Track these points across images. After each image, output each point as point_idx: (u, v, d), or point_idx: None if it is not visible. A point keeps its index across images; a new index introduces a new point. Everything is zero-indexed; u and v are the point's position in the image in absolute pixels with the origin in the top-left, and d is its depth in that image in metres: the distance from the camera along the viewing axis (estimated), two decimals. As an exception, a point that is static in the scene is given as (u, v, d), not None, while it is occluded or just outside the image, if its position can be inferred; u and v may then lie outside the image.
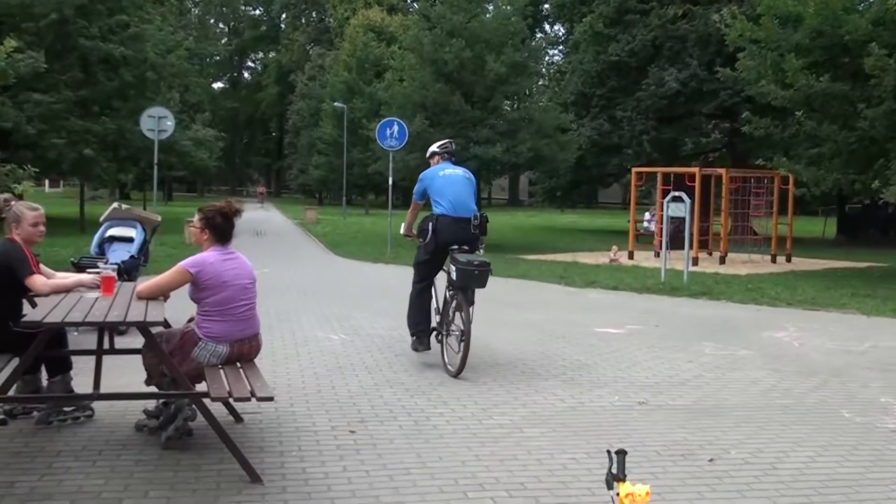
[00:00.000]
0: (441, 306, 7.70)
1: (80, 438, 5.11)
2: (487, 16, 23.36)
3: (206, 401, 4.68)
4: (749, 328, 9.99)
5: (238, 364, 5.05)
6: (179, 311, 5.89)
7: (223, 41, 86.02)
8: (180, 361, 4.93)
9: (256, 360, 5.22)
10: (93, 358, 5.58)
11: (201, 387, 4.90)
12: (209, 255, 5.03)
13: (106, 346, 5.83)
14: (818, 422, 5.90)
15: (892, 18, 14.95)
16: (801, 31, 15.97)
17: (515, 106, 25.76)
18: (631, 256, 19.73)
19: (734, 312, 11.39)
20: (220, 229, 5.12)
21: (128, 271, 8.65)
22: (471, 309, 7.18)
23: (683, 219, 15.09)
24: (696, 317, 10.88)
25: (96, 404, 5.52)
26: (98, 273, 5.43)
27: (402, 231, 8.40)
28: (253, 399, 4.52)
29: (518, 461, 4.88)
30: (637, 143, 28.98)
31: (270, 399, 4.55)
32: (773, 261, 19.63)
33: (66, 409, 5.45)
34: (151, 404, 5.34)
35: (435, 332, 7.71)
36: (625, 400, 6.38)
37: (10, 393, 4.84)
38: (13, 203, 5.53)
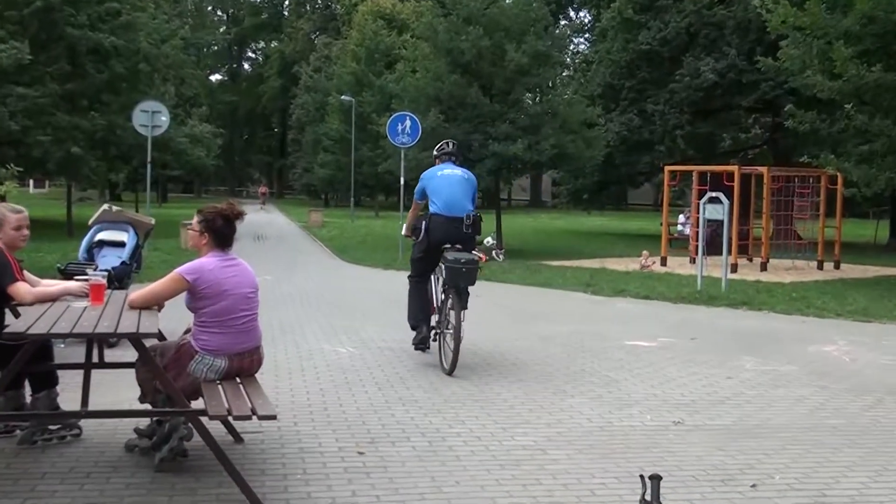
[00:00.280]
0: (438, 306, 8.32)
1: (67, 460, 5.11)
2: (507, 1, 23.35)
3: (204, 419, 4.68)
4: (794, 341, 9.91)
5: (238, 379, 5.05)
6: (175, 321, 5.91)
7: (221, 30, 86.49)
8: (175, 376, 4.93)
9: (258, 375, 5.22)
10: (80, 372, 5.60)
11: (198, 404, 4.90)
12: (208, 262, 5.03)
13: (95, 359, 5.85)
14: (872, 444, 5.84)
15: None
16: (850, 17, 15.87)
17: (538, 99, 25.72)
18: (664, 263, 19.64)
19: (777, 324, 11.31)
20: (221, 233, 5.13)
21: (119, 278, 8.68)
22: (462, 312, 7.80)
23: (721, 222, 15.00)
24: (735, 329, 10.81)
25: (84, 423, 5.52)
26: (86, 280, 5.45)
27: (403, 232, 9.05)
28: (254, 417, 4.51)
29: (542, 486, 4.85)
30: (670, 139, 28.93)
31: (273, 417, 4.54)
32: (820, 267, 19.51)
33: (51, 427, 5.46)
34: (143, 423, 5.34)
35: (433, 332, 8.33)
36: (658, 419, 6.34)
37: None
38: (-5, 205, 5.56)
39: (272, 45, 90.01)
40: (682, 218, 26.15)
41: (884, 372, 8.25)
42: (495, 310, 12.20)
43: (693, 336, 10.11)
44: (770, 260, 19.30)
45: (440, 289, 8.30)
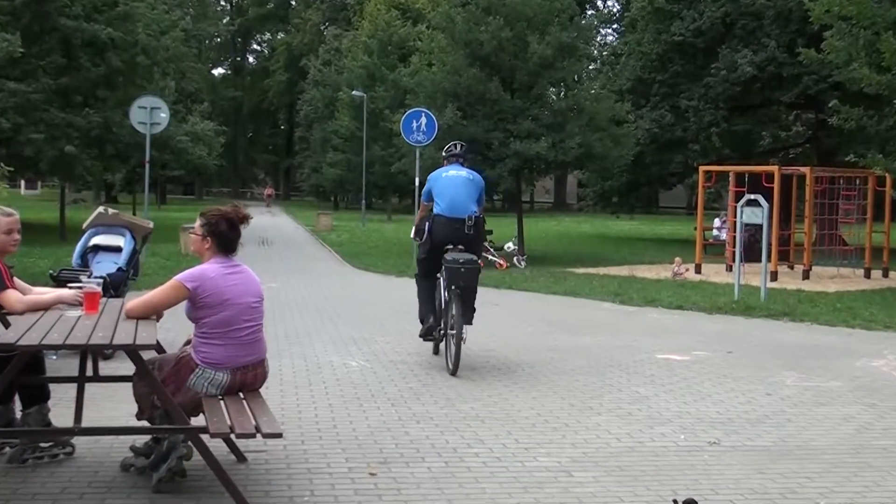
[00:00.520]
0: (442, 307, 8.94)
1: (59, 479, 5.13)
2: (530, -11, 23.31)
3: (204, 437, 4.69)
4: (839, 355, 9.86)
5: (241, 394, 5.06)
6: (175, 332, 5.93)
7: (224, 21, 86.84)
8: (174, 391, 4.95)
9: (262, 390, 5.23)
10: (74, 386, 5.61)
11: (198, 421, 4.91)
12: (210, 268, 5.04)
13: (89, 372, 5.87)
14: (923, 467, 5.80)
15: None
16: (900, 5, 15.80)
17: (562, 94, 25.68)
18: (698, 270, 19.57)
19: (821, 337, 11.26)
20: (225, 238, 5.14)
21: (115, 286, 8.72)
22: (466, 314, 8.49)
23: (760, 226, 14.93)
24: (775, 342, 10.76)
25: (77, 440, 5.54)
26: (80, 288, 5.47)
27: (412, 234, 9.53)
28: (258, 435, 4.51)
29: (567, 511, 4.84)
30: (705, 137, 28.83)
31: (278, 436, 4.54)
32: (867, 276, 19.39)
33: (42, 445, 5.47)
34: (140, 440, 5.36)
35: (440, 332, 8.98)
36: (692, 439, 6.31)
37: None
38: (-16, 207, 5.60)
39: (278, 37, 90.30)
40: (717, 222, 26.05)
41: (937, 389, 8.19)
42: (516, 320, 12.19)
43: (730, 349, 10.07)
44: (813, 267, 19.18)
45: (444, 290, 8.83)
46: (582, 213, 47.95)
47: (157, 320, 5.23)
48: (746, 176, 19.43)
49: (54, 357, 7.53)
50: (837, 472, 5.64)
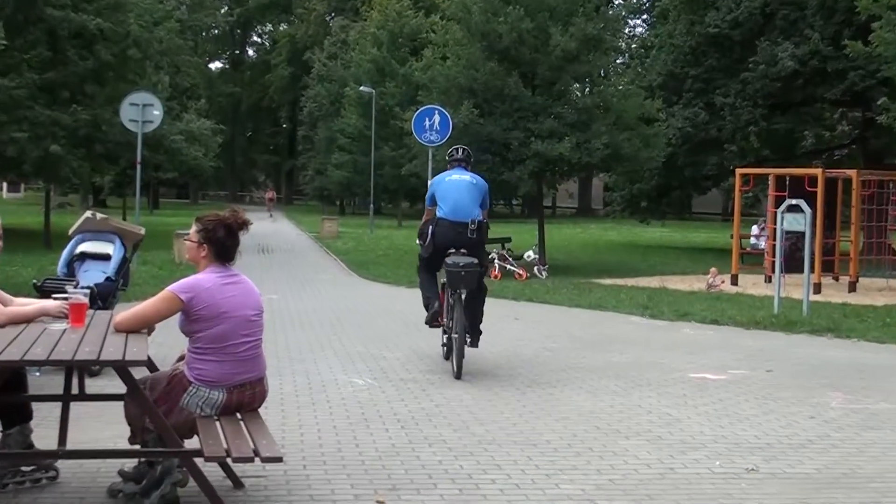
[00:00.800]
0: (446, 312, 9.60)
1: (42, 506, 5.14)
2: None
3: (199, 461, 4.69)
4: (889, 375, 9.81)
5: (238, 415, 5.06)
6: (167, 347, 5.94)
7: (222, 11, 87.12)
8: (167, 411, 4.95)
9: (261, 410, 5.23)
10: (58, 405, 5.62)
11: (192, 443, 4.91)
12: (206, 278, 5.05)
13: (75, 390, 5.88)
14: (981, 497, 5.75)
15: None
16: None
17: (587, 90, 25.67)
18: (735, 282, 19.52)
19: (869, 354, 11.20)
20: (223, 245, 5.15)
21: (103, 297, 8.74)
22: (467, 335, 9.23)
23: (802, 233, 14.87)
24: (819, 359, 10.71)
25: (62, 463, 5.54)
26: (66, 299, 5.48)
27: (418, 240, 10.21)
28: (256, 459, 4.51)
29: (592, 543, 4.82)
30: (742, 136, 28.74)
31: (279, 460, 4.54)
32: (919, 288, 19.30)
33: (24, 468, 5.48)
34: (130, 464, 5.36)
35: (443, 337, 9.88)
36: (728, 466, 6.27)
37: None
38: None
39: (280, 29, 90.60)
40: (755, 229, 25.95)
41: None
42: (537, 335, 12.17)
43: (769, 368, 10.02)
44: (860, 279, 19.11)
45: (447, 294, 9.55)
46: (608, 220, 47.80)
47: (149, 334, 5.23)
48: (787, 179, 19.37)
49: (37, 374, 7.54)
50: (887, 501, 5.61)
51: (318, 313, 14.20)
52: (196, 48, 67.87)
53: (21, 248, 22.51)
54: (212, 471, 5.13)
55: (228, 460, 4.66)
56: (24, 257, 20.64)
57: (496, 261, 20.64)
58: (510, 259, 21.06)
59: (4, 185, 67.05)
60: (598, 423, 7.36)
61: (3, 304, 5.51)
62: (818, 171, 19.20)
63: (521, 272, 20.42)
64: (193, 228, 5.21)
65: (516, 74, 21.99)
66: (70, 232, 9.65)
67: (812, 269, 15.08)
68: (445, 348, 9.98)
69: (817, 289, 17.58)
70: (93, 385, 7.17)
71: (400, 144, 41.67)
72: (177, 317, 5.05)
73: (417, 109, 22.74)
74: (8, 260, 18.25)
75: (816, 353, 11.20)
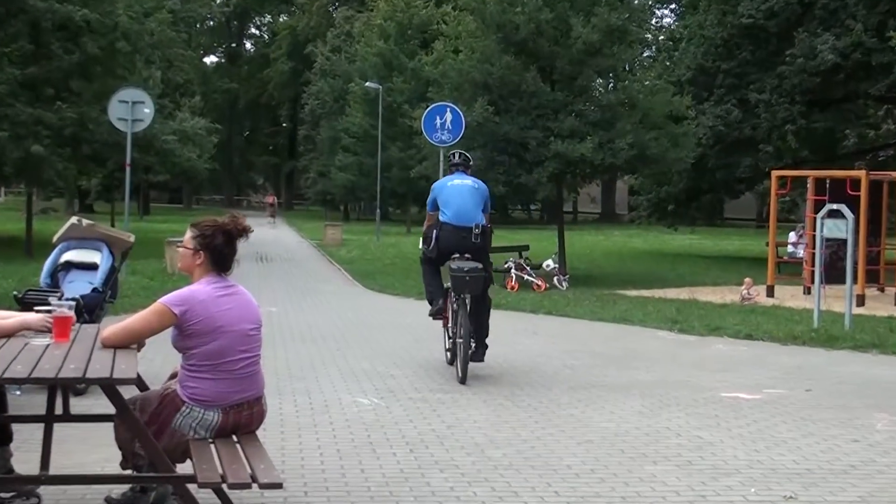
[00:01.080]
0: (451, 317, 10.34)
1: (23, 535, 5.15)
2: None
3: (192, 487, 4.68)
4: (938, 394, 9.77)
5: (235, 438, 5.06)
6: (158, 364, 5.95)
7: (218, 1, 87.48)
8: (157, 433, 4.95)
9: (259, 433, 5.22)
10: (41, 427, 5.63)
11: (185, 468, 4.91)
12: (201, 289, 5.04)
13: (59, 410, 5.88)
14: None
15: None
16: None
17: (611, 86, 25.65)
18: (770, 293, 19.46)
19: (917, 372, 11.16)
20: (220, 253, 5.14)
21: (89, 309, 8.76)
22: (473, 334, 9.88)
23: (844, 241, 14.82)
24: (862, 378, 10.67)
25: (44, 489, 5.54)
26: (50, 312, 5.48)
27: (420, 245, 10.91)
28: (254, 486, 4.51)
29: (616, 577, 4.81)
30: (778, 136, 28.67)
31: (278, 486, 4.53)
32: (972, 300, 19.22)
33: (3, 495, 5.48)
34: (117, 490, 5.36)
35: (448, 343, 10.58)
36: (764, 493, 6.25)
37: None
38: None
39: (280, 20, 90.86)
40: (793, 236, 25.87)
41: None
42: (557, 351, 12.15)
43: (808, 387, 9.98)
44: (907, 290, 19.04)
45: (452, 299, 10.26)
46: (633, 226, 47.68)
47: (139, 350, 5.24)
48: (828, 182, 19.32)
49: (18, 392, 7.56)
50: (937, 533, 5.58)
51: (321, 327, 14.21)
52: (190, 41, 68.01)
53: (1, 256, 22.58)
54: (206, 498, 5.13)
55: (224, 486, 4.66)
56: (5, 267, 20.71)
57: (513, 270, 20.63)
58: (528, 268, 21.04)
59: (-17, 188, 67.29)
60: (622, 447, 7.35)
61: (-19, 318, 5.53)
62: (861, 174, 19.14)
63: (539, 283, 20.40)
64: (189, 235, 5.19)
65: (534, 69, 21.97)
66: (54, 239, 9.67)
67: (855, 280, 15.01)
68: (449, 353, 10.57)
69: (860, 301, 17.51)
70: (78, 405, 7.18)
71: (409, 145, 41.70)
72: (169, 331, 5.05)
73: (428, 107, 22.76)
74: (-13, 269, 18.30)
75: (860, 370, 11.16)
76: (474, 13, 23.45)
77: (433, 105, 22.22)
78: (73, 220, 9.81)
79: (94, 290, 9.15)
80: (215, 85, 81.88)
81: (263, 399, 5.25)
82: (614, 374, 10.53)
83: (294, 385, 9.50)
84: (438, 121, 21.22)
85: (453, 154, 11.29)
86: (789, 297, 19.06)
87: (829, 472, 6.81)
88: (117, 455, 5.25)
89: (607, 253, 35.01)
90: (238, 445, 4.97)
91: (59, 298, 6.87)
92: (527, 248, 22.90)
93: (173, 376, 5.28)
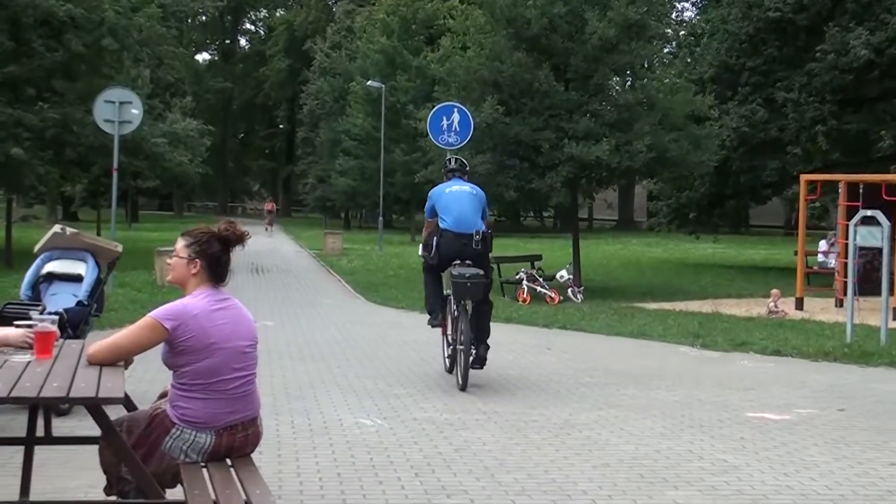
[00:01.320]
0: (451, 324, 10.97)
1: (3, 566, 5.15)
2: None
3: (183, 514, 4.68)
4: (980, 414, 9.75)
5: (229, 461, 5.05)
6: (147, 383, 5.94)
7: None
8: (146, 456, 4.94)
9: (255, 456, 5.22)
10: (20, 450, 5.63)
11: (176, 494, 4.91)
12: (194, 303, 5.03)
13: (40, 431, 5.88)
14: None
15: None
16: None
17: (629, 84, 25.65)
18: (800, 306, 19.43)
19: (957, 390, 11.14)
20: (217, 262, 5.13)
21: (74, 324, 8.76)
22: (473, 339, 10.46)
23: (879, 250, 14.79)
24: (899, 396, 10.67)
25: (26, 516, 5.55)
26: (31, 327, 5.48)
27: (420, 252, 11.53)
28: (249, 513, 4.50)
29: None
30: (808, 137, 28.63)
31: (274, 513, 4.52)
32: None
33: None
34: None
35: (447, 351, 11.25)
36: (795, 521, 6.23)
37: None
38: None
39: (277, 15, 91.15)
40: (824, 245, 25.83)
41: None
42: (571, 368, 12.14)
43: (841, 406, 9.98)
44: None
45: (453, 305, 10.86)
46: (653, 234, 47.64)
47: (126, 368, 5.23)
48: (861, 187, 19.29)
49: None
50: (980, 564, 5.56)
51: (320, 343, 14.21)
52: (181, 37, 68.14)
53: (-20, 266, 22.62)
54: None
55: (217, 513, 4.65)
56: (-17, 277, 20.74)
57: (524, 282, 20.63)
58: (540, 280, 21.03)
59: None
60: (641, 471, 7.34)
61: (-42, 333, 5.53)
62: (897, 178, 19.11)
63: (552, 295, 20.39)
64: (181, 243, 5.15)
65: (547, 66, 21.97)
66: (35, 249, 9.67)
67: (891, 292, 14.98)
68: (449, 360, 11.23)
69: (896, 314, 17.49)
70: (61, 426, 7.19)
71: (413, 147, 41.77)
72: (159, 348, 5.03)
73: (434, 107, 22.77)
74: (-35, 281, 18.34)
75: (896, 388, 11.15)
76: (483, 7, 23.49)
77: (439, 105, 22.22)
78: (56, 228, 9.82)
79: (79, 303, 9.15)
80: (208, 84, 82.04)
81: (259, 420, 5.24)
82: (633, 393, 10.52)
83: (292, 405, 9.50)
84: (445, 122, 21.22)
85: (450, 159, 12.07)
86: (820, 310, 19.02)
87: (863, 498, 6.80)
88: (102, 480, 5.23)
89: (625, 263, 34.99)
90: (232, 470, 4.96)
91: (41, 312, 6.88)
92: (539, 258, 22.89)
93: (163, 396, 5.27)
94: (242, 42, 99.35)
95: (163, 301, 5.21)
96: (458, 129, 21.17)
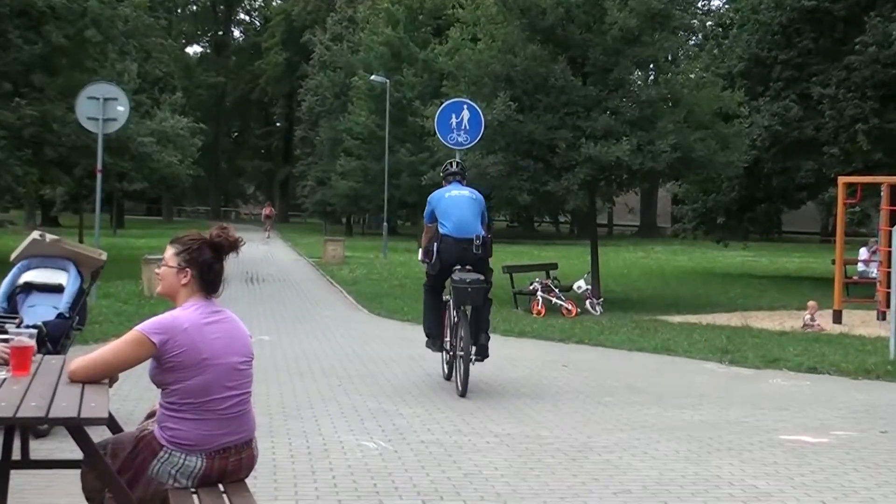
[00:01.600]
0: (450, 328, 11.70)
1: None
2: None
3: (171, 545, 4.68)
4: None
5: (221, 487, 5.04)
6: (133, 402, 5.94)
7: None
8: (132, 481, 4.94)
9: (249, 481, 5.21)
10: (-3, 473, 5.63)
11: (163, 522, 4.91)
12: (184, 316, 5.02)
13: (17, 454, 5.87)
14: None
15: None
16: None
17: (651, 79, 25.66)
18: (838, 319, 19.39)
19: None
20: (209, 271, 5.12)
21: (54, 338, 8.75)
22: (473, 344, 11.21)
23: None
24: (945, 417, 10.63)
25: (2, 546, 5.55)
26: (6, 342, 5.49)
27: (419, 257, 12.32)
28: (243, 544, 4.50)
29: None
30: (847, 137, 28.60)
31: (270, 544, 4.52)
32: None
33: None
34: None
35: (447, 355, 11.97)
36: (832, 552, 6.22)
37: None
38: None
39: (274, 4, 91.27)
40: (864, 253, 25.82)
41: None
42: (589, 386, 12.12)
43: (884, 428, 9.96)
44: None
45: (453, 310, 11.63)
46: (677, 241, 47.62)
47: (111, 385, 5.22)
48: (904, 190, 19.27)
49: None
50: None
51: (320, 359, 14.20)
52: (170, 29, 68.44)
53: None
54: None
55: (208, 544, 4.65)
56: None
57: (539, 293, 20.62)
58: (556, 291, 21.01)
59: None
60: (666, 497, 7.33)
61: (-71, 349, 5.53)
62: (942, 181, 19.09)
63: (569, 307, 20.37)
64: (171, 252, 5.13)
65: (563, 60, 21.98)
66: (12, 257, 9.67)
67: (935, 303, 14.94)
68: (448, 367, 12.00)
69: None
70: (39, 448, 7.19)
71: (420, 147, 41.88)
72: (146, 364, 5.03)
73: (442, 104, 22.76)
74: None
75: (942, 408, 11.13)
76: (495, -3, 23.50)
77: (448, 102, 22.19)
78: (35, 234, 9.81)
79: (59, 315, 9.13)
80: (199, 79, 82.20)
81: (254, 442, 5.23)
82: (656, 413, 10.50)
83: (289, 426, 9.49)
84: (454, 120, 21.19)
85: (451, 163, 12.76)
86: (860, 323, 19.00)
87: (907, 527, 6.78)
88: (85, 507, 5.26)
89: (647, 272, 34.98)
90: (225, 496, 4.96)
91: (18, 326, 6.90)
92: (555, 266, 22.87)
93: (151, 416, 5.27)
94: (236, 33, 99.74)
95: (150, 313, 5.21)
96: (467, 127, 21.13)
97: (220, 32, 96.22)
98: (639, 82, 24.72)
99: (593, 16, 21.95)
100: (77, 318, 9.37)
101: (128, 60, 34.72)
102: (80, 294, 9.48)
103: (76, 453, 4.90)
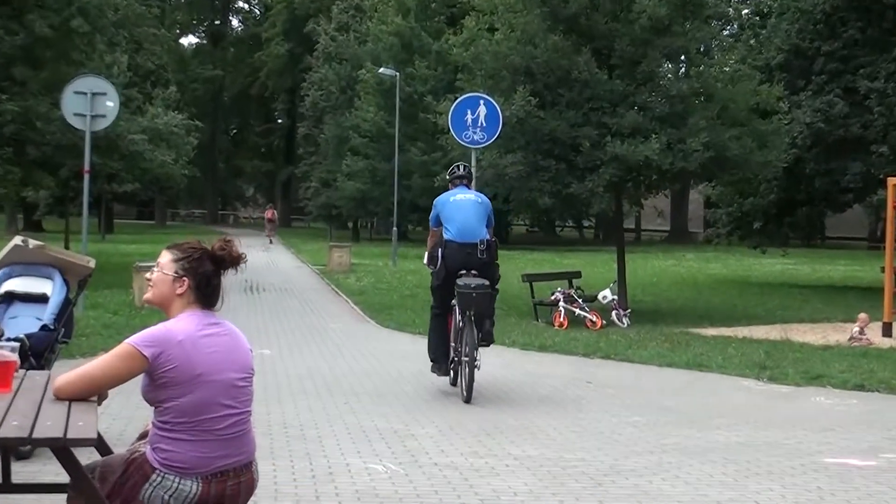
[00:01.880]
0: (455, 334, 12.34)
1: None
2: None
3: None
4: None
5: (218, 513, 5.05)
6: (124, 421, 5.94)
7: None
8: (122, 507, 4.95)
9: (248, 507, 5.22)
10: (-23, 497, 5.64)
11: (156, 551, 4.90)
12: (179, 327, 5.02)
13: (-1, 477, 5.89)
14: None
15: None
16: None
17: (682, 72, 25.64)
18: (888, 332, 19.34)
19: None
20: (206, 284, 5.12)
21: (37, 352, 8.76)
22: (479, 341, 11.90)
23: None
24: None
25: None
26: (-12, 356, 5.50)
27: (424, 261, 12.98)
28: (242, 575, 4.50)
29: None
30: (897, 134, 28.57)
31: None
32: None
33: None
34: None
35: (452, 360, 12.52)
36: (881, 585, 6.20)
37: None
38: None
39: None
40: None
41: None
42: (616, 405, 12.11)
43: (934, 450, 9.92)
44: None
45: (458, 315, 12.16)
46: (710, 247, 47.57)
47: (100, 403, 5.23)
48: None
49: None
50: None
51: (325, 375, 14.21)
52: (163, 18, 68.58)
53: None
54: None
55: (204, 575, 4.65)
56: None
57: (561, 303, 20.60)
58: (580, 301, 20.99)
59: None
60: (701, 526, 7.31)
61: None
62: None
63: (594, 319, 20.35)
64: (168, 257, 5.11)
65: (588, 51, 21.99)
66: (-7, 264, 9.70)
67: None
68: (452, 372, 12.68)
69: None
70: (22, 471, 7.20)
71: (433, 146, 41.88)
72: (138, 380, 5.03)
73: (456, 99, 22.77)
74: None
75: None
76: (514, -19, 23.51)
77: (463, 97, 22.19)
78: (17, 240, 9.82)
79: (44, 327, 9.14)
80: (195, 72, 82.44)
81: (254, 465, 5.23)
82: (688, 434, 10.49)
83: (292, 447, 9.50)
84: (469, 116, 21.18)
85: (458, 166, 13.31)
86: (911, 336, 18.98)
87: (961, 558, 6.75)
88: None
89: (678, 281, 34.95)
90: (222, 523, 4.96)
91: (0, 338, 6.90)
92: (578, 275, 22.86)
93: (143, 436, 5.27)
94: (235, 23, 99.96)
95: (142, 325, 5.22)
96: (484, 124, 21.11)
97: (217, 22, 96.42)
98: (669, 76, 24.69)
99: (620, 3, 21.96)
100: (63, 330, 9.36)
101: (118, 52, 34.81)
102: (67, 304, 9.48)
103: (62, 476, 4.90)
